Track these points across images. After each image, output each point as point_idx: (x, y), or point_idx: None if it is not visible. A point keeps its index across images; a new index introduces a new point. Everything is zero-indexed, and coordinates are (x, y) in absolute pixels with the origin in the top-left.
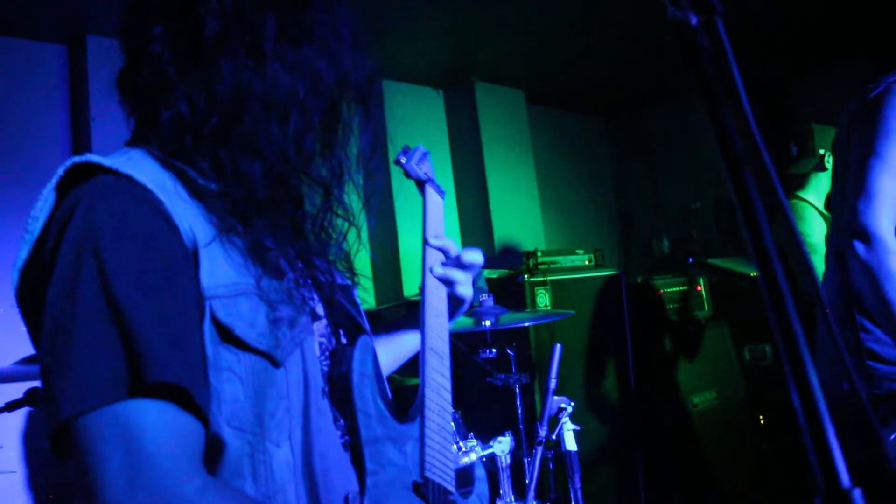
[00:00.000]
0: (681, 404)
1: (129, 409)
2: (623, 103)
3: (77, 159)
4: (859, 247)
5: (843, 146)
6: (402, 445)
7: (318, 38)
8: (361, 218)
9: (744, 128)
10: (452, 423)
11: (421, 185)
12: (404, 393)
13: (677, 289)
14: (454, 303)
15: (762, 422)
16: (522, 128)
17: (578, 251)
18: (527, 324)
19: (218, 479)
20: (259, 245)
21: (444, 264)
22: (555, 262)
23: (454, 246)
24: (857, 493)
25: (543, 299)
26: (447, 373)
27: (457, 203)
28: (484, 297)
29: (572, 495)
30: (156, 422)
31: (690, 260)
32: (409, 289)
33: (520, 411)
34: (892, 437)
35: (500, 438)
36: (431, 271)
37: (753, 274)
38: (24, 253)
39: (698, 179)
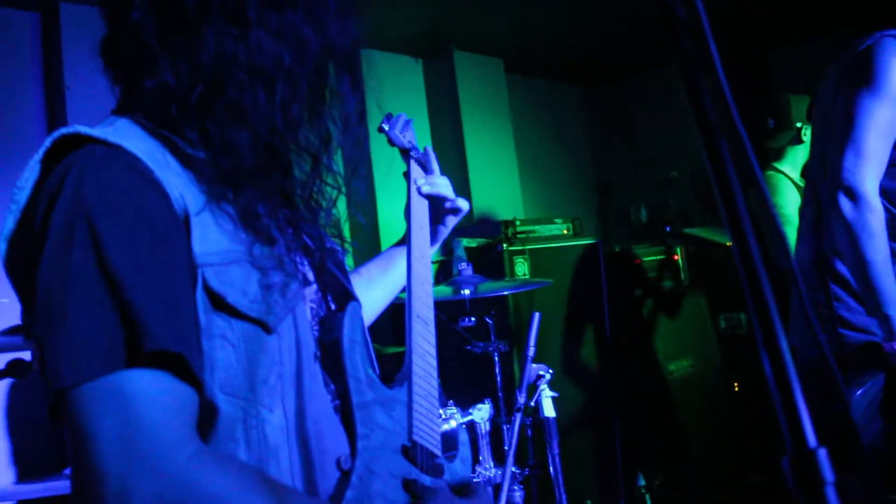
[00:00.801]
0: (657, 372)
1: (125, 378)
2: (603, 72)
3: (64, 130)
4: (844, 204)
5: (828, 106)
6: (390, 410)
7: (303, 5)
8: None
9: (720, 100)
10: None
11: (405, 153)
12: (385, 361)
13: (654, 258)
14: (443, 213)
15: (737, 389)
16: (501, 97)
17: (557, 220)
18: (505, 292)
19: (211, 446)
20: (250, 212)
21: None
22: (533, 232)
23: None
24: (822, 453)
25: (522, 268)
26: (432, 339)
27: None
28: (463, 265)
29: (550, 461)
30: (150, 391)
31: (668, 229)
32: None
33: (499, 379)
34: (858, 392)
35: (479, 406)
36: (420, 191)
37: (730, 243)
38: (10, 223)
39: (676, 149)
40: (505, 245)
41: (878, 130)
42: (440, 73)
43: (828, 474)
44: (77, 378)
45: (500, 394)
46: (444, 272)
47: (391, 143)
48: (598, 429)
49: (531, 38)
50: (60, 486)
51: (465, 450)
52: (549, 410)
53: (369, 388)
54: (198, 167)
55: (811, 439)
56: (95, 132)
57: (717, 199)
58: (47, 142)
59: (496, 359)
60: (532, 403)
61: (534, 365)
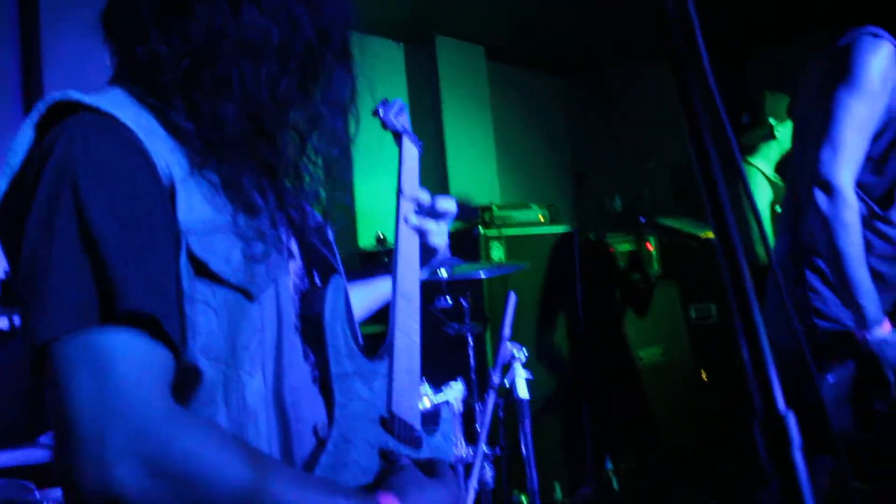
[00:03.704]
0: (628, 358)
1: (100, 336)
2: (583, 62)
3: (58, 96)
4: (820, 197)
5: (807, 103)
6: (370, 381)
7: None
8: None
9: (706, 96)
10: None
11: (398, 136)
12: (369, 340)
13: (628, 247)
14: (427, 253)
15: (705, 378)
16: (482, 83)
17: (532, 205)
18: (482, 275)
19: (192, 409)
20: (234, 183)
21: (417, 214)
22: (510, 217)
23: (427, 197)
24: (790, 416)
25: (498, 252)
26: (416, 315)
27: None
28: None
29: (522, 442)
30: (124, 349)
31: (642, 219)
32: (365, 239)
33: (472, 360)
34: (831, 380)
35: (451, 384)
36: (406, 220)
37: (702, 235)
38: (2, 185)
39: (653, 139)
40: (482, 229)
41: (855, 125)
42: (422, 57)
43: (796, 437)
44: (53, 334)
45: (472, 375)
46: None
47: (384, 126)
48: (569, 412)
49: (513, 26)
50: (35, 454)
51: (446, 425)
52: (522, 391)
53: (349, 360)
54: (185, 136)
55: (781, 404)
56: (88, 99)
57: (701, 192)
58: (41, 107)
59: (470, 340)
60: (507, 384)
61: (509, 343)
